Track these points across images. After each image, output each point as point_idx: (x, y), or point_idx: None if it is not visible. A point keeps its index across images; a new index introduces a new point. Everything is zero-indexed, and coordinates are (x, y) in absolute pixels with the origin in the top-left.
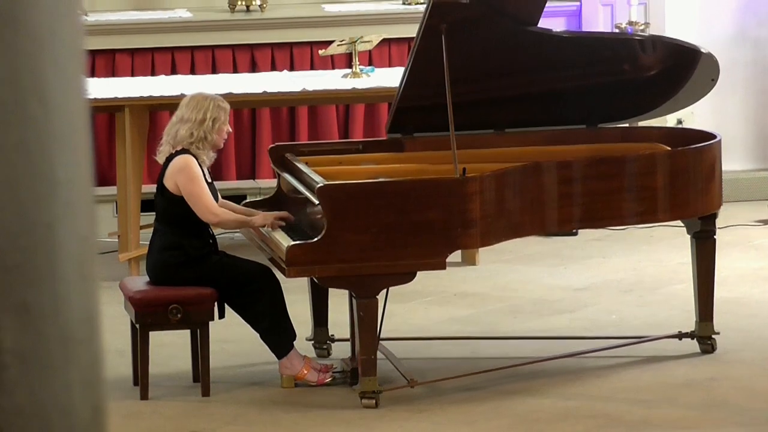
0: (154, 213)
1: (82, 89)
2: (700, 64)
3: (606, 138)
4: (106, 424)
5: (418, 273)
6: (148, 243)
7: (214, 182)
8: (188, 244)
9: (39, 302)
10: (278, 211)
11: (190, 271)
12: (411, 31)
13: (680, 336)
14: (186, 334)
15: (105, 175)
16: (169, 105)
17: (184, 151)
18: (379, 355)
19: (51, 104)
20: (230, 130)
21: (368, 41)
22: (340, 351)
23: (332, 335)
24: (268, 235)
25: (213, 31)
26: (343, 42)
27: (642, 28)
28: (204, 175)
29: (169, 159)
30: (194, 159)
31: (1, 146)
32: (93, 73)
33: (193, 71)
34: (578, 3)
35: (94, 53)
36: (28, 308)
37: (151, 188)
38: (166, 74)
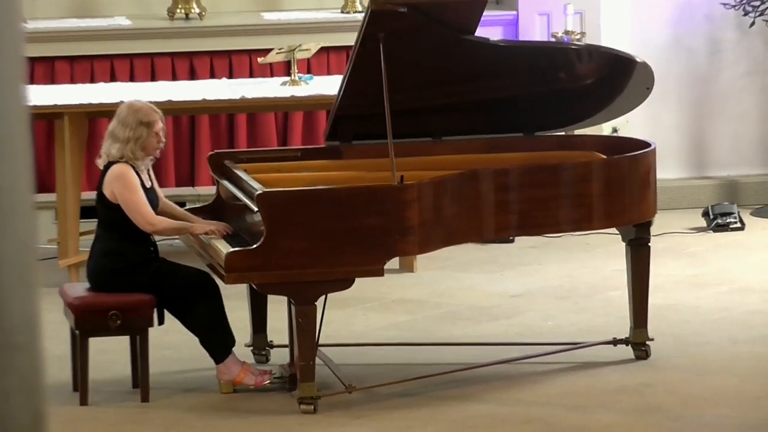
0: (93, 219)
1: (22, 96)
2: (635, 73)
3: (542, 146)
4: (46, 430)
5: (357, 279)
6: (90, 248)
7: (157, 187)
8: (128, 250)
9: None
10: (219, 222)
11: (130, 278)
12: (349, 39)
13: (615, 342)
14: (125, 340)
15: (44, 182)
16: (108, 112)
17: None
18: (317, 361)
19: None
20: (163, 138)
21: (307, 49)
22: (279, 357)
23: (271, 341)
24: (207, 241)
25: (152, 39)
26: (282, 50)
27: (578, 37)
28: (142, 181)
29: (107, 166)
30: (131, 168)
31: None
32: (32, 80)
33: (132, 78)
34: (515, 12)
35: (33, 60)
36: None
37: (90, 195)
38: (105, 81)
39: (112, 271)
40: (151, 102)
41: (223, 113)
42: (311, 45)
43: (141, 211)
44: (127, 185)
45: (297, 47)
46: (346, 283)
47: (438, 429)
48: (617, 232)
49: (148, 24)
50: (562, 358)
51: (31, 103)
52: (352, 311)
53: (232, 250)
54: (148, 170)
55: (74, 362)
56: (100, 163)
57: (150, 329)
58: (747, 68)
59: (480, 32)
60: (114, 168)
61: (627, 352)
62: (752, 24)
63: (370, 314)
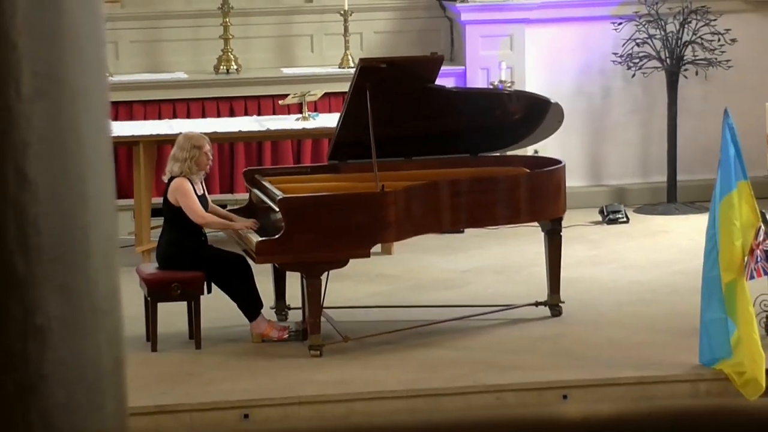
0: (160, 218)
1: (107, 129)
2: (550, 111)
3: (484, 163)
4: (125, 371)
5: (350, 260)
6: (158, 239)
7: (207, 194)
8: (185, 240)
9: (75, 283)
10: (250, 220)
11: (186, 259)
12: (345, 87)
13: (536, 304)
14: (184, 304)
15: (125, 191)
16: (171, 141)
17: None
18: (322, 319)
19: (84, 140)
20: (210, 157)
21: (314, 94)
22: (295, 316)
23: (288, 305)
24: (243, 234)
25: (202, 87)
26: (296, 95)
27: (509, 85)
28: (195, 191)
29: (170, 180)
30: (186, 180)
31: (48, 171)
32: (116, 118)
33: (188, 116)
34: (464, 67)
35: (116, 104)
36: (67, 288)
37: (158, 200)
38: (169, 119)
39: (174, 255)
40: (201, 132)
41: (254, 141)
42: (317, 91)
43: (195, 209)
44: (185, 193)
45: (307, 93)
46: (342, 263)
47: (409, 367)
48: (538, 225)
49: (199, 77)
50: (498, 317)
51: (114, 134)
52: (347, 283)
53: (260, 239)
54: (201, 182)
55: (147, 321)
56: (165, 178)
57: (201, 297)
58: (630, 108)
59: (438, 81)
60: (175, 181)
61: (545, 311)
62: (633, 75)
63: (360, 285)
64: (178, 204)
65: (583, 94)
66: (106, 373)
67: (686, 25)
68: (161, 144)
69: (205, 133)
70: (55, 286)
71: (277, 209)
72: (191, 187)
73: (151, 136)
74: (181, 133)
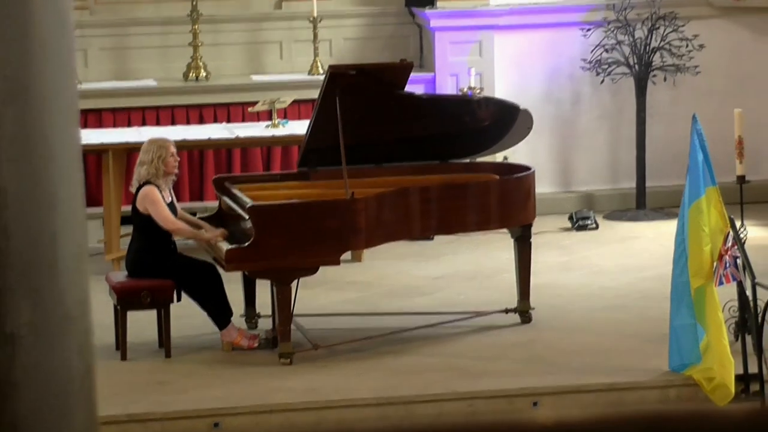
0: (129, 225)
1: (77, 136)
2: (520, 117)
3: (454, 170)
4: (94, 378)
5: (320, 268)
6: (127, 247)
7: (176, 202)
8: (155, 248)
9: (46, 289)
10: (221, 229)
11: (156, 267)
12: (314, 94)
13: (507, 311)
14: (153, 312)
15: (95, 198)
16: (140, 148)
17: (147, 182)
18: (292, 326)
19: (54, 147)
20: (177, 159)
21: (284, 101)
22: (265, 324)
23: (258, 312)
24: (213, 243)
25: (172, 95)
26: (266, 102)
27: (478, 91)
28: (164, 197)
29: (138, 189)
30: (155, 187)
31: (18, 176)
32: (85, 126)
33: (158, 124)
34: (433, 73)
35: (86, 112)
36: (38, 293)
37: (127, 208)
38: (138, 126)
39: (144, 263)
40: (171, 140)
41: (223, 148)
42: (287, 98)
43: (165, 216)
44: (153, 200)
45: (276, 100)
46: (312, 271)
47: (380, 374)
48: (508, 231)
49: (169, 84)
50: (469, 323)
51: (84, 142)
52: (317, 290)
53: (230, 247)
54: (170, 190)
55: (116, 329)
56: (132, 188)
57: (171, 305)
58: (599, 114)
59: (408, 88)
60: (143, 189)
61: (516, 318)
62: (602, 81)
63: (330, 292)
64: (147, 212)
65: (552, 100)
66: (76, 380)
67: (654, 31)
68: (130, 152)
69: (175, 141)
70: (25, 292)
71: (247, 217)
72: (159, 194)
73: (120, 143)
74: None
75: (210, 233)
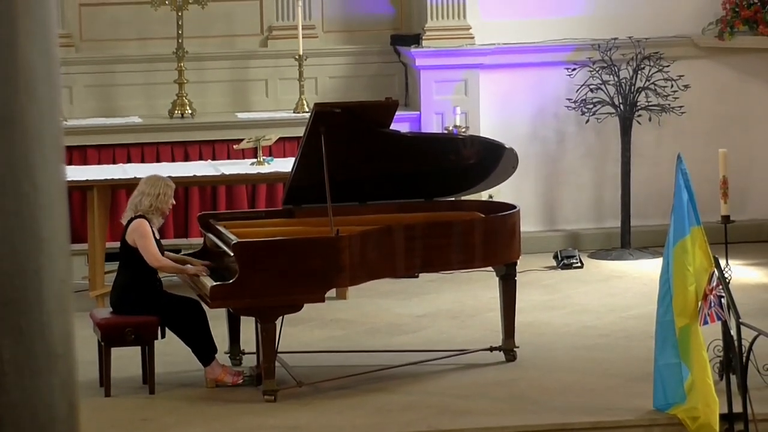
0: (114, 262)
1: (62, 173)
2: (505, 156)
3: (439, 208)
4: (78, 416)
5: (305, 305)
6: (112, 283)
7: (161, 240)
8: (140, 284)
9: (29, 326)
10: (204, 262)
11: (141, 304)
12: (300, 132)
13: (491, 349)
14: (137, 349)
15: (79, 235)
16: (125, 185)
17: (140, 215)
18: (276, 363)
19: (38, 184)
20: (174, 202)
21: (269, 139)
22: (249, 361)
23: (243, 349)
24: (197, 279)
25: (157, 132)
26: (251, 140)
27: (463, 130)
28: (153, 234)
29: (129, 221)
30: (147, 222)
31: (3, 214)
32: (70, 162)
33: (143, 161)
34: (418, 112)
35: (71, 149)
36: (21, 331)
37: (111, 244)
38: (123, 163)
39: (128, 299)
40: None
41: (209, 185)
42: (272, 136)
43: (152, 251)
44: (143, 234)
45: (262, 137)
46: (296, 308)
47: (363, 412)
48: (493, 270)
49: (154, 121)
50: (452, 361)
51: (68, 179)
52: (302, 327)
53: (214, 284)
54: (158, 229)
55: (100, 366)
56: (125, 218)
57: (155, 341)
58: (583, 152)
59: (393, 126)
60: (134, 222)
61: (500, 356)
62: (587, 121)
63: (315, 330)
64: (136, 245)
65: (537, 139)
66: (59, 417)
67: (639, 71)
68: (115, 188)
69: None
70: (8, 329)
71: (232, 253)
72: (151, 229)
73: (105, 180)
74: (138, 179)
75: (193, 268)
